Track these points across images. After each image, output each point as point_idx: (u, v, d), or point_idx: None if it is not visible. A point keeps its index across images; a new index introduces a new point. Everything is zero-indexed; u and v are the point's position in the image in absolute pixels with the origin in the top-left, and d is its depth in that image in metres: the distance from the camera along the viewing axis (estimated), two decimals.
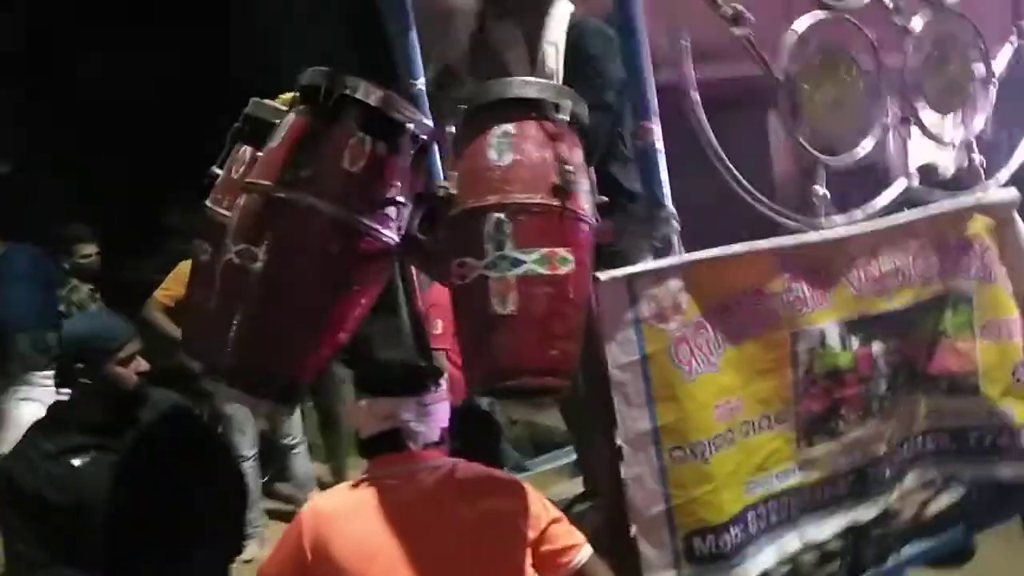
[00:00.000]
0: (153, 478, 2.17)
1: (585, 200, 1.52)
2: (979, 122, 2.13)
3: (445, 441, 1.69)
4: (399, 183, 1.72)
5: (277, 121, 1.93)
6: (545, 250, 1.44)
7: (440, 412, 1.69)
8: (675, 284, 1.74)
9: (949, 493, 2.23)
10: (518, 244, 1.43)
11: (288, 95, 1.92)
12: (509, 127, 1.49)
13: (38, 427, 2.27)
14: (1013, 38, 2.17)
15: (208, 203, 2.08)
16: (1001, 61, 2.15)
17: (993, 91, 2.13)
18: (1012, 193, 2.16)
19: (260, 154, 1.82)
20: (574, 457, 2.69)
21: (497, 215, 1.44)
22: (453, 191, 1.50)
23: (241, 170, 2.02)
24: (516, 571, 1.58)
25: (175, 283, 4.56)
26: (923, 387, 2.13)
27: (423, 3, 2.35)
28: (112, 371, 2.18)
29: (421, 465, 1.66)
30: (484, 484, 1.67)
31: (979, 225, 2.13)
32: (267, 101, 2.11)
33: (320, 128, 1.68)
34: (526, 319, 1.43)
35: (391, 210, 1.73)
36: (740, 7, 1.76)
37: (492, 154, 1.48)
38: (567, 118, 1.51)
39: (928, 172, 2.11)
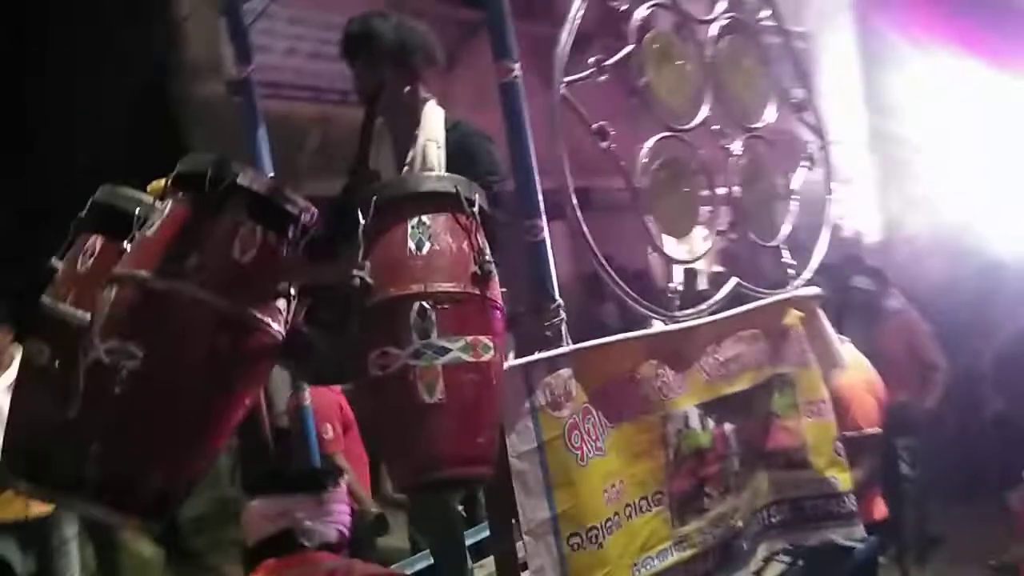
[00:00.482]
0: None
1: (497, 289, 1.57)
2: (786, 230, 2.50)
3: (344, 544, 1.58)
4: (288, 274, 1.67)
5: (135, 210, 1.82)
6: (470, 338, 1.45)
7: (339, 511, 1.59)
8: (566, 372, 1.81)
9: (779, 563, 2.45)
10: (443, 332, 1.43)
11: (159, 183, 1.81)
12: (425, 218, 1.52)
13: None
14: (811, 154, 2.61)
15: (46, 299, 1.84)
16: (798, 180, 2.56)
17: (795, 205, 2.53)
18: (814, 290, 2.53)
19: (126, 244, 1.67)
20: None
21: (421, 303, 1.44)
22: (369, 280, 1.48)
23: (90, 262, 1.84)
24: None
25: None
26: (764, 463, 2.35)
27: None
28: None
29: (315, 568, 1.54)
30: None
31: (793, 317, 2.45)
32: (122, 188, 1.96)
33: (206, 216, 1.59)
34: (454, 408, 1.42)
35: (281, 303, 1.66)
36: (605, 124, 1.96)
37: (411, 244, 1.49)
38: (477, 210, 1.57)
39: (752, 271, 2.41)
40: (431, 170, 2.12)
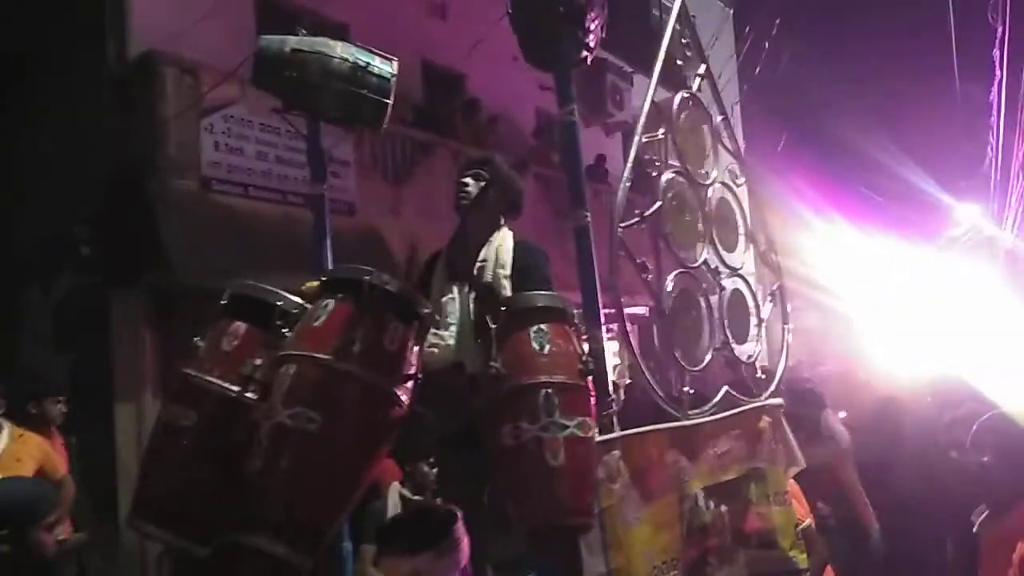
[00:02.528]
0: None
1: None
2: (758, 349, 3.11)
3: None
4: (415, 361, 2.11)
5: (275, 302, 2.22)
6: (580, 418, 1.93)
7: (456, 561, 1.98)
8: (616, 454, 2.29)
9: None
10: (563, 413, 1.90)
11: (313, 284, 2.22)
12: (544, 327, 2.01)
13: None
14: (772, 291, 3.27)
15: (191, 371, 2.18)
16: (766, 310, 3.21)
17: (763, 329, 3.15)
18: (779, 400, 3.13)
19: (293, 331, 2.06)
20: None
21: (546, 390, 1.91)
22: (504, 371, 1.94)
23: (235, 344, 2.20)
24: None
25: None
26: (742, 541, 2.85)
27: None
28: (34, 538, 2.08)
29: None
30: None
31: (764, 421, 3.03)
32: (258, 284, 2.33)
33: (366, 314, 2.01)
34: (571, 471, 1.87)
35: (410, 384, 2.09)
36: (645, 260, 2.54)
37: (534, 345, 1.97)
38: (577, 322, 2.08)
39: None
40: (502, 265, 2.65)
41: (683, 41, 2.98)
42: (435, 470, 3.48)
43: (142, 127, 7.04)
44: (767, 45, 9.27)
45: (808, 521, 3.49)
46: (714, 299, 2.90)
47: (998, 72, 12.24)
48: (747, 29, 9.84)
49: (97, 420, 6.51)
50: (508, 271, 2.60)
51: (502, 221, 2.78)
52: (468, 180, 2.74)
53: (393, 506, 3.77)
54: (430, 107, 10.16)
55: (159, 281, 6.72)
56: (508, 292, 2.52)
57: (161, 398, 6.83)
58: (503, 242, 2.68)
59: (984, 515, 2.34)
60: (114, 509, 6.53)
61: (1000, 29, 11.33)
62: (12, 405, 4.50)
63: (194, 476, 2.10)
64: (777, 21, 9.11)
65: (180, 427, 2.13)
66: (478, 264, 2.67)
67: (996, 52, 12.03)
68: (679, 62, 2.96)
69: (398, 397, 2.01)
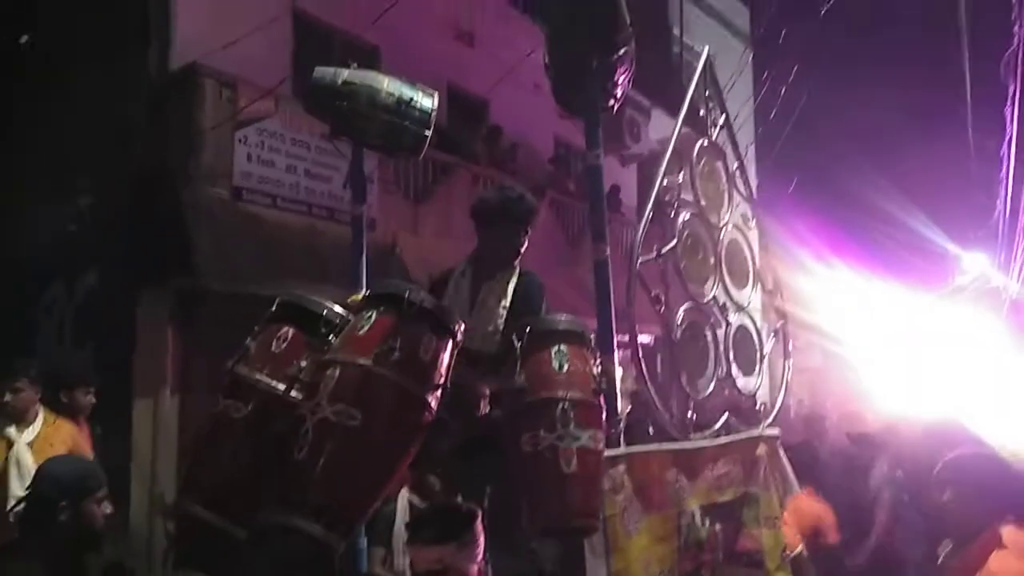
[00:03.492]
0: None
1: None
2: (760, 381, 3.33)
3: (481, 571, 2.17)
4: (445, 372, 2.33)
5: (322, 312, 2.45)
6: (593, 431, 2.15)
7: (476, 552, 2.19)
8: (621, 468, 2.50)
9: None
10: (577, 425, 2.12)
11: (357, 296, 2.46)
12: (563, 347, 2.24)
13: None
14: (776, 328, 3.49)
15: (242, 369, 2.40)
16: (768, 346, 3.43)
17: (765, 365, 3.37)
18: (776, 430, 3.33)
19: (339, 338, 2.29)
20: None
21: (563, 404, 2.13)
22: (526, 385, 2.17)
23: (284, 346, 2.42)
24: None
25: None
26: (734, 559, 3.05)
27: None
28: (90, 510, 2.30)
29: None
30: None
31: (762, 449, 3.23)
32: (306, 295, 2.55)
33: (405, 326, 2.24)
34: (583, 478, 2.09)
35: (439, 392, 2.31)
36: (660, 293, 2.77)
37: (554, 364, 2.20)
38: (593, 344, 2.31)
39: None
40: (501, 299, 2.87)
41: (706, 93, 3.23)
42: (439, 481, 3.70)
43: (178, 134, 7.33)
44: (783, 91, 9.54)
45: (800, 548, 3.68)
46: (720, 333, 3.12)
47: (1009, 128, 12.51)
48: (764, 75, 10.12)
49: (115, 413, 6.72)
50: (507, 302, 2.81)
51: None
52: (514, 243, 2.92)
53: (402, 510, 3.97)
54: (453, 131, 10.47)
55: (185, 283, 6.97)
56: (501, 324, 2.73)
57: (179, 394, 7.07)
58: (507, 275, 2.90)
59: (948, 548, 2.52)
60: (126, 499, 6.75)
61: (1012, 87, 11.61)
62: (43, 393, 4.73)
63: (240, 464, 2.31)
64: (795, 67, 9.38)
65: (231, 419, 2.34)
66: (481, 294, 2.87)
67: (1008, 109, 12.31)
68: (701, 112, 3.20)
69: (428, 403, 2.23)
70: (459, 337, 2.39)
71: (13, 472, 4.03)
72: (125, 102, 7.66)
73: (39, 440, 4.24)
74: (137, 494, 6.88)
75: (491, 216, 2.99)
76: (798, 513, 3.51)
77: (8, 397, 4.16)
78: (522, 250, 2.89)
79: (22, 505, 2.40)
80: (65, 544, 2.28)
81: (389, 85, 3.13)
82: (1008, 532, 2.10)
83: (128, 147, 7.39)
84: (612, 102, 2.77)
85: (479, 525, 2.24)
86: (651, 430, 2.87)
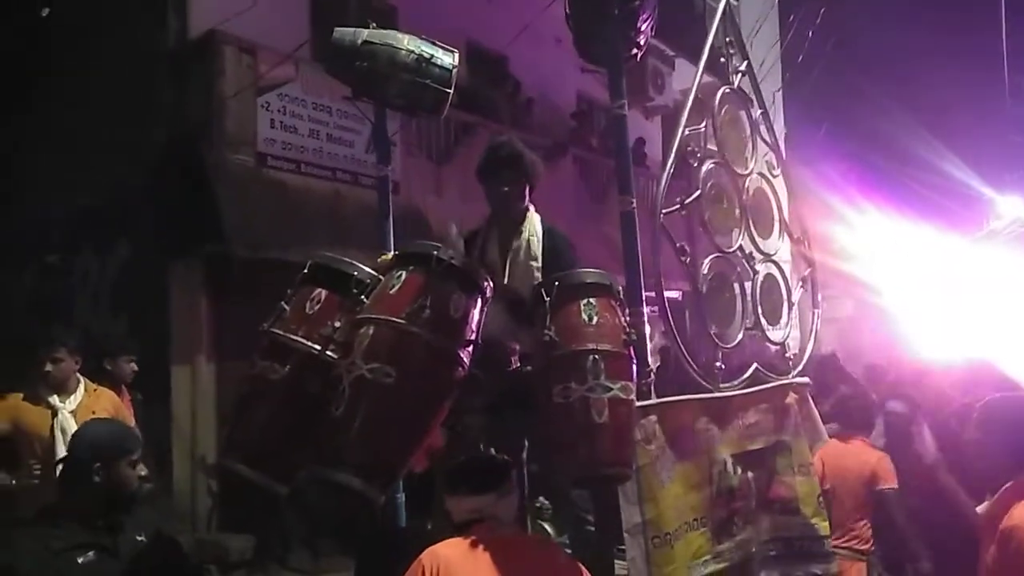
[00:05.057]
0: None
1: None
2: (788, 331, 3.32)
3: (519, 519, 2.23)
4: (475, 329, 2.36)
5: (353, 272, 2.48)
6: (623, 382, 2.18)
7: (513, 501, 2.25)
8: (653, 418, 2.53)
9: None
10: (608, 376, 2.15)
11: (388, 256, 2.49)
12: (592, 300, 2.26)
13: (41, 521, 2.33)
14: (804, 277, 3.47)
15: (278, 330, 2.45)
16: (796, 295, 3.41)
17: (793, 314, 3.36)
18: (806, 379, 3.33)
19: (370, 298, 2.32)
20: None
21: (593, 356, 2.16)
22: (556, 338, 2.19)
23: (317, 307, 2.46)
24: None
25: (1, 418, 4.31)
26: (766, 507, 3.07)
27: None
28: (123, 472, 2.37)
29: (505, 532, 2.19)
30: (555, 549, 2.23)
31: (792, 398, 3.23)
32: (337, 256, 2.59)
33: (435, 284, 2.27)
34: (614, 428, 2.13)
35: (470, 348, 2.34)
36: (685, 244, 2.76)
37: (584, 316, 2.22)
38: (621, 297, 2.32)
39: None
40: (534, 258, 2.88)
41: (727, 39, 3.17)
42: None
43: (200, 103, 7.37)
44: (811, 33, 9.30)
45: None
46: (747, 283, 3.10)
47: None
48: (791, 17, 9.86)
49: (153, 381, 6.90)
50: (539, 263, 2.83)
51: (527, 202, 2.99)
52: (506, 189, 2.94)
53: None
54: (473, 89, 10.37)
55: (215, 251, 7.07)
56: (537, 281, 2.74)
57: (215, 360, 7.23)
58: (533, 231, 2.92)
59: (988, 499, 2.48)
60: (169, 464, 6.97)
61: None
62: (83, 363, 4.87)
63: (279, 423, 2.38)
64: (822, 10, 9.13)
65: (269, 380, 2.40)
66: (510, 256, 2.89)
67: None
68: (722, 59, 3.14)
69: (461, 359, 2.26)
70: (488, 294, 2.41)
71: (59, 438, 4.17)
72: (146, 71, 7.70)
73: (81, 408, 4.37)
74: (179, 458, 7.09)
75: (481, 172, 3.01)
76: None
77: (49, 367, 4.28)
78: (519, 202, 2.90)
79: (60, 467, 2.49)
80: (99, 505, 2.36)
81: (409, 43, 3.12)
82: None
83: (151, 116, 7.44)
84: (635, 51, 2.73)
85: (514, 476, 2.29)
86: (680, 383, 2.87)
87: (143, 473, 2.49)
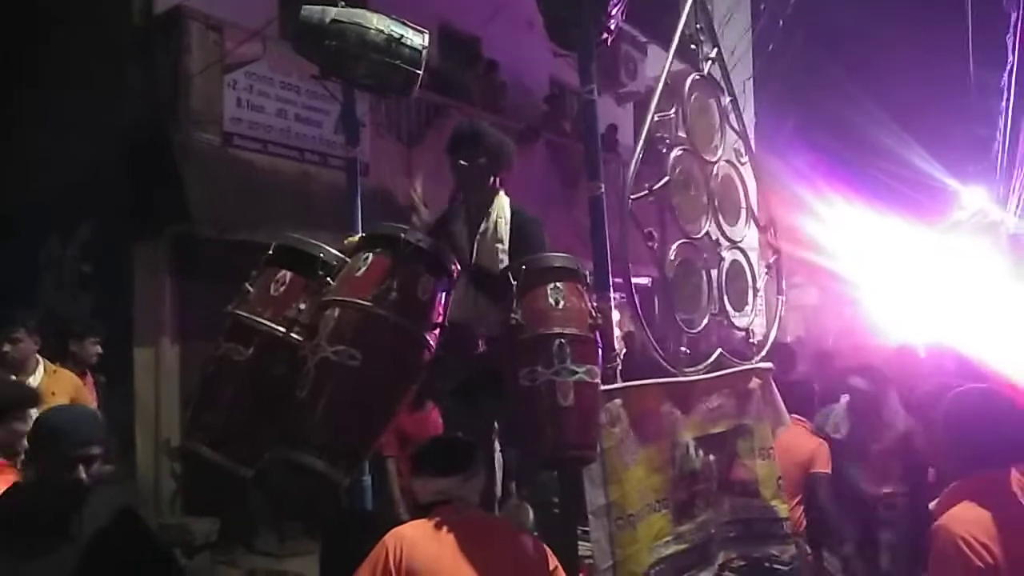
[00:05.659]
0: None
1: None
2: (751, 316, 3.36)
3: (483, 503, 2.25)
4: (441, 311, 2.36)
5: (318, 254, 2.46)
6: (589, 366, 2.19)
7: (477, 486, 2.26)
8: (618, 402, 2.55)
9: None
10: (574, 360, 2.16)
11: (354, 238, 2.47)
12: (559, 284, 2.27)
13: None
14: (769, 264, 3.52)
15: (242, 312, 2.42)
16: (761, 282, 3.45)
17: (758, 299, 3.40)
18: (768, 364, 3.38)
19: (336, 279, 2.31)
20: None
21: (560, 340, 2.17)
22: (523, 321, 2.20)
23: (282, 289, 2.44)
24: None
25: None
26: (727, 489, 3.12)
27: None
28: (89, 467, 2.29)
29: (470, 514, 2.20)
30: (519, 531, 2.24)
31: (755, 383, 3.28)
32: (302, 238, 2.56)
33: (401, 266, 2.26)
34: (580, 411, 2.14)
35: (436, 331, 2.34)
36: (652, 230, 2.77)
37: (551, 300, 2.23)
38: (589, 281, 2.33)
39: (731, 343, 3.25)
40: (500, 240, 2.87)
41: (698, 26, 3.18)
42: None
43: (165, 81, 7.21)
44: (781, 23, 9.37)
45: None
46: (714, 269, 3.13)
47: (1010, 58, 12.33)
48: (762, 7, 9.93)
49: (116, 363, 6.79)
50: (505, 245, 2.80)
51: (497, 184, 2.96)
52: (463, 163, 2.92)
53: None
54: (445, 71, 10.29)
55: (180, 231, 6.96)
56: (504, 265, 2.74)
57: (179, 342, 7.13)
58: (501, 213, 2.89)
59: None
60: (132, 447, 6.88)
61: (1014, 15, 11.39)
62: (43, 343, 4.78)
63: (243, 405, 2.36)
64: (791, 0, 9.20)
65: (234, 362, 2.38)
66: (477, 239, 2.87)
67: (1009, 38, 12.11)
68: (692, 46, 3.16)
69: (427, 341, 2.26)
70: (455, 276, 2.41)
71: None
72: (111, 48, 7.52)
73: (41, 389, 4.29)
74: (142, 441, 6.99)
75: (446, 148, 2.99)
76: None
77: (7, 347, 4.21)
78: (479, 179, 2.88)
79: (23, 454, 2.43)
80: (58, 497, 2.28)
81: (378, 23, 3.08)
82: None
83: (117, 95, 7.27)
84: (606, 35, 2.73)
85: (480, 458, 2.31)
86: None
87: (100, 467, 2.40)
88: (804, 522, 3.81)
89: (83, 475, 2.25)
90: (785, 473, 3.74)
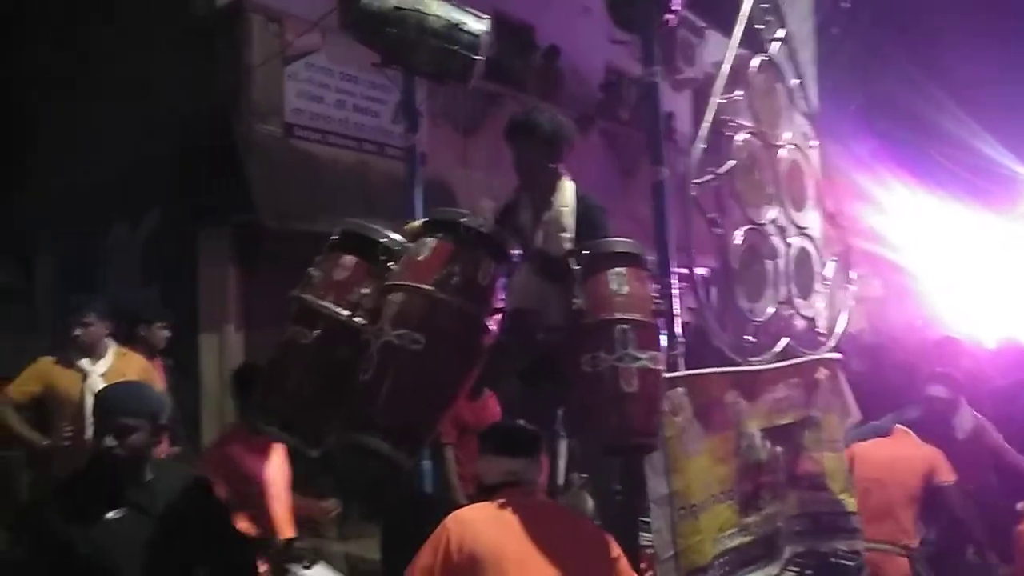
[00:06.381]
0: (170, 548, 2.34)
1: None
2: (819, 307, 3.27)
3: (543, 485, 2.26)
4: (502, 296, 2.34)
5: (381, 239, 2.47)
6: (652, 352, 2.16)
7: (541, 468, 2.26)
8: (681, 390, 2.51)
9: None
10: (637, 346, 2.13)
11: (415, 223, 2.48)
12: (622, 270, 2.23)
13: (71, 483, 2.37)
14: (836, 258, 3.41)
15: (307, 296, 2.45)
16: (829, 270, 3.35)
17: (825, 290, 3.30)
18: (837, 355, 3.29)
19: (399, 264, 2.32)
20: None
21: (622, 326, 2.14)
22: (585, 307, 2.18)
23: (346, 274, 2.46)
24: None
25: (34, 381, 4.39)
26: (794, 482, 3.05)
27: None
28: (139, 436, 2.34)
29: (534, 499, 2.20)
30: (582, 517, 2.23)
31: (822, 373, 3.19)
32: (367, 223, 2.57)
33: (464, 251, 2.25)
34: (643, 397, 2.11)
35: (497, 316, 2.33)
36: (716, 216, 2.71)
37: (613, 286, 2.20)
38: (651, 268, 2.29)
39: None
40: (564, 230, 2.83)
41: (763, 5, 3.09)
42: None
43: (227, 73, 7.37)
44: (846, 4, 9.08)
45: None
46: (780, 256, 3.06)
47: None
48: None
49: (182, 350, 6.99)
50: (570, 233, 2.76)
51: (559, 169, 2.91)
52: (520, 152, 2.88)
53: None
54: (500, 59, 10.26)
55: (243, 221, 7.11)
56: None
57: (243, 329, 7.30)
58: (565, 201, 2.84)
59: None
60: (197, 430, 7.07)
61: None
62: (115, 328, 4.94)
63: (310, 387, 2.39)
64: None
65: (299, 344, 2.40)
66: (541, 226, 2.84)
67: None
68: (757, 27, 3.07)
69: (488, 326, 2.25)
70: (516, 261, 2.40)
71: (89, 401, 4.24)
72: (174, 41, 7.70)
73: (111, 371, 4.44)
74: (207, 424, 7.19)
75: (505, 138, 2.94)
76: None
77: (78, 331, 4.35)
78: (535, 169, 2.84)
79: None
80: (116, 467, 2.34)
81: (438, 9, 3.07)
82: None
83: (179, 86, 7.45)
84: (668, 16, 2.67)
85: (543, 444, 2.30)
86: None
87: (156, 441, 2.45)
88: (920, 538, 3.65)
89: (111, 443, 2.29)
90: (901, 484, 3.62)
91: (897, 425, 3.80)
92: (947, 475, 3.69)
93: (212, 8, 7.64)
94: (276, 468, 3.27)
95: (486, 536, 2.05)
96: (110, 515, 2.31)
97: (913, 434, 3.83)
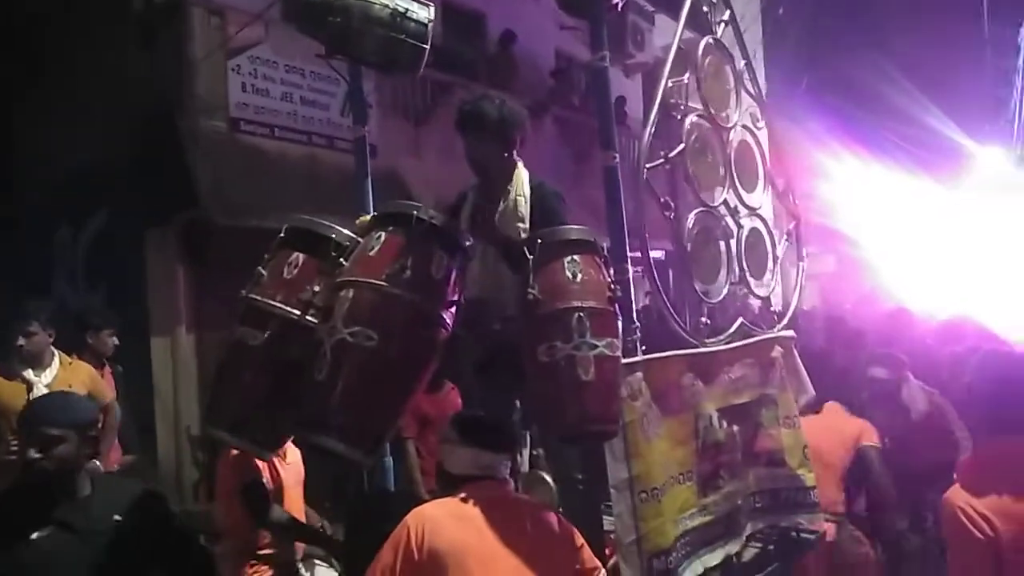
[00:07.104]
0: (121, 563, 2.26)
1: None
2: (772, 285, 3.30)
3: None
4: (457, 289, 2.32)
5: (331, 235, 2.42)
6: (609, 339, 2.15)
7: (511, 461, 2.24)
8: (638, 375, 2.51)
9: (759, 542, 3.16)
10: (593, 334, 2.12)
11: (366, 218, 2.43)
12: (576, 257, 2.22)
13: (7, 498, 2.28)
14: (788, 236, 3.45)
15: (256, 296, 2.39)
16: (781, 249, 3.39)
17: (778, 268, 3.34)
18: (791, 333, 3.33)
19: (349, 260, 2.27)
20: None
21: (579, 314, 2.13)
22: (540, 296, 2.16)
23: (295, 272, 2.41)
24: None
25: None
26: (752, 460, 3.08)
27: None
28: (65, 447, 2.23)
29: (500, 491, 2.19)
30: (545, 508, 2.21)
31: (777, 351, 3.23)
32: (315, 219, 2.52)
33: (416, 245, 2.22)
34: (600, 385, 2.10)
35: (452, 309, 2.30)
36: (668, 199, 2.71)
37: (568, 274, 2.18)
38: (605, 254, 2.28)
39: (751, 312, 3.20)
40: (520, 219, 2.80)
41: None
42: None
43: (169, 68, 7.16)
44: None
45: None
46: (732, 237, 3.07)
47: None
48: None
49: (132, 353, 6.82)
50: (526, 223, 2.73)
51: (512, 156, 2.87)
52: (470, 143, 2.84)
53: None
54: (450, 48, 10.17)
55: (190, 219, 6.94)
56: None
57: (194, 331, 7.14)
58: (520, 189, 2.81)
59: None
60: (152, 436, 6.91)
61: None
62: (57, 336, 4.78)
63: (260, 389, 2.34)
64: None
65: (249, 347, 2.35)
66: (496, 216, 2.80)
67: None
68: (704, 9, 3.07)
69: (443, 320, 2.23)
70: (469, 253, 2.37)
71: None
72: (114, 37, 7.47)
73: (57, 382, 4.30)
74: (162, 430, 7.03)
75: (457, 130, 2.91)
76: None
77: (22, 341, 4.20)
78: (487, 160, 2.80)
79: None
80: (47, 481, 2.25)
81: None
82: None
83: (122, 83, 7.23)
84: (617, 1, 2.65)
85: (510, 436, 2.29)
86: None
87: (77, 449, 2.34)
88: (850, 503, 3.71)
89: (35, 455, 2.20)
90: (832, 453, 3.68)
91: (829, 401, 3.84)
92: (871, 439, 3.75)
93: (152, 3, 7.42)
94: (290, 469, 3.22)
95: (448, 533, 2.03)
96: (34, 535, 2.20)
97: (844, 408, 3.88)
